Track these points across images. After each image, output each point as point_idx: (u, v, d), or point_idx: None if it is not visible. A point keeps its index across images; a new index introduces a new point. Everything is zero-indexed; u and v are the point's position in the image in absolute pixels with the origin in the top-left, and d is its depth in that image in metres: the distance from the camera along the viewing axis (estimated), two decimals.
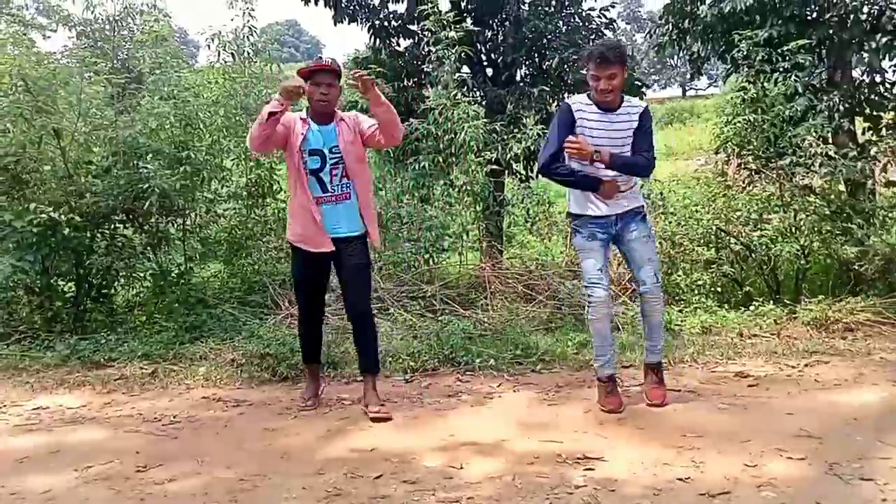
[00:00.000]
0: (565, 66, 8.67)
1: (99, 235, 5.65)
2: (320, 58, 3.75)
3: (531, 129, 6.98)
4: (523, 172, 8.81)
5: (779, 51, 6.23)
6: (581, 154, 3.44)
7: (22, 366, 4.80)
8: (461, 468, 2.83)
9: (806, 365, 4.35)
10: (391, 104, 3.67)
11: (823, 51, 7.10)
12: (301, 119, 3.67)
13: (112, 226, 5.74)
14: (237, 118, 6.25)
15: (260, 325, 5.21)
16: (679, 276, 5.84)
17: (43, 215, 5.00)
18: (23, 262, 5.13)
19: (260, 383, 4.35)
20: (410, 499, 2.54)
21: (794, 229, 5.77)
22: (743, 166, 6.35)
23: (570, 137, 3.47)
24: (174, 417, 3.70)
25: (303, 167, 3.62)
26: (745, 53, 6.24)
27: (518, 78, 9.28)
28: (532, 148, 7.59)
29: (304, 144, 3.61)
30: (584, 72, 3.63)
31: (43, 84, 5.53)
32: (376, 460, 2.96)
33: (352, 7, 9.03)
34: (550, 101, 8.75)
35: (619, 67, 3.45)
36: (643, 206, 3.73)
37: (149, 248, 5.97)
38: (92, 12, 10.58)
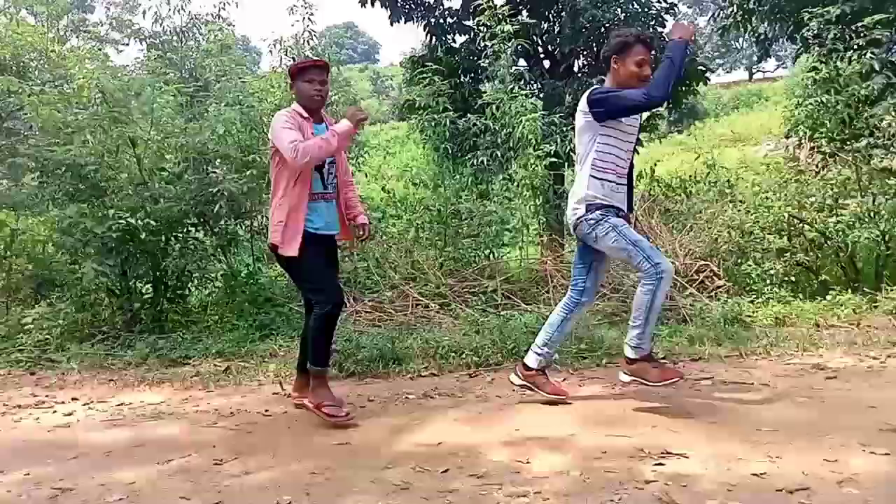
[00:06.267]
0: None
1: (173, 239, 5.90)
2: (309, 56, 3.64)
3: None
4: None
5: (853, 27, 5.94)
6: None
7: (106, 364, 5.07)
8: (528, 463, 2.82)
9: (889, 356, 4.15)
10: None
11: None
12: (303, 117, 3.53)
13: (185, 229, 5.98)
14: None
15: None
16: (749, 265, 5.66)
17: (121, 221, 5.27)
18: (104, 267, 5.41)
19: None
20: (478, 493, 2.55)
21: (872, 214, 5.50)
22: (816, 150, 6.11)
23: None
24: (247, 413, 3.83)
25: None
26: (815, 32, 5.98)
27: (576, 69, 9.15)
28: None
29: None
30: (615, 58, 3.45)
31: (118, 95, 5.82)
32: (443, 455, 2.98)
33: (407, 6, 9.09)
34: None
35: None
36: None
37: (219, 249, 6.20)
38: (161, 25, 11.01)
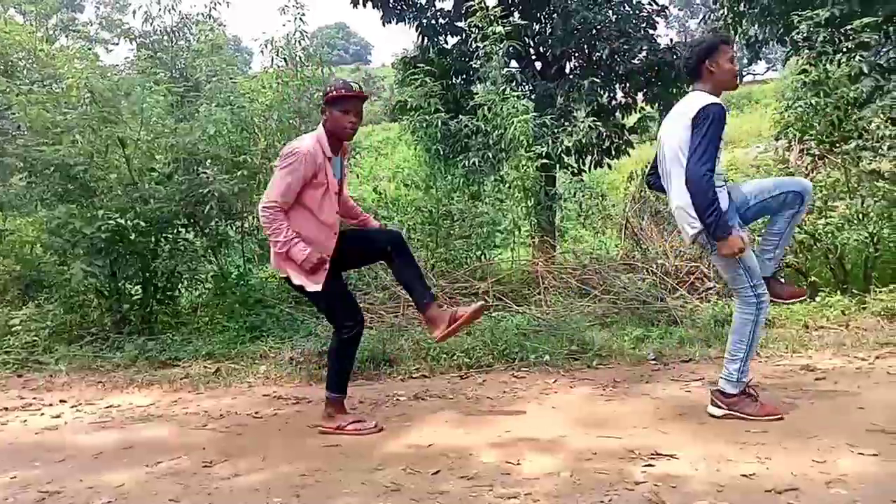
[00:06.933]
0: (615, 57, 8.52)
1: (163, 240, 5.85)
2: (349, 84, 3.34)
3: (582, 122, 6.88)
4: (575, 166, 8.70)
5: (842, 30, 5.97)
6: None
7: (94, 366, 5.03)
8: (518, 464, 2.83)
9: (877, 357, 4.17)
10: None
11: (891, 28, 6.76)
12: (325, 154, 3.31)
13: (175, 230, 5.94)
14: (290, 121, 6.38)
15: (316, 324, 5.32)
16: None
17: (111, 221, 5.23)
18: (93, 268, 5.36)
19: (318, 381, 4.42)
20: (468, 494, 2.55)
21: (861, 216, 5.53)
22: (805, 152, 6.13)
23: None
24: (237, 415, 3.81)
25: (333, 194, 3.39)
26: (805, 35, 6.01)
27: (567, 70, 9.17)
28: (583, 141, 7.48)
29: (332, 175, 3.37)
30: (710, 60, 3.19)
31: (108, 95, 5.77)
32: (434, 456, 2.98)
33: (399, 7, 9.08)
34: (601, 92, 8.60)
35: None
36: None
37: (209, 250, 6.16)
38: (151, 24, 10.96)
